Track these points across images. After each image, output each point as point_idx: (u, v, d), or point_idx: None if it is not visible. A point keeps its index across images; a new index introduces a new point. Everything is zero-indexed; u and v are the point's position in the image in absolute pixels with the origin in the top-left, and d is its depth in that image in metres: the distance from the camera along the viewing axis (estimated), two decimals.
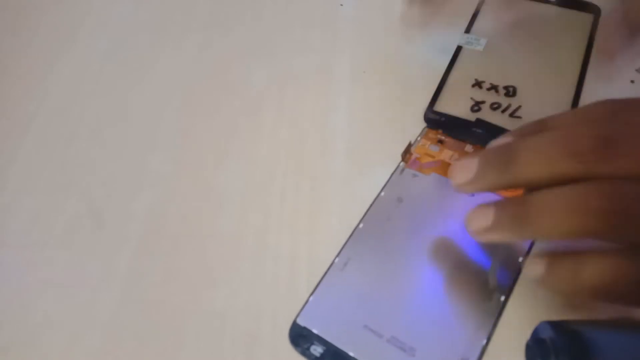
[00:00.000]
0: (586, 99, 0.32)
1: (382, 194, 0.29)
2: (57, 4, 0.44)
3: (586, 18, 0.36)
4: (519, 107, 0.32)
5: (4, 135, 0.36)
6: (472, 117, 0.32)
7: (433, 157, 0.31)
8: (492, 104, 0.33)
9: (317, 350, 0.24)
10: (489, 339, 0.24)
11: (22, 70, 0.40)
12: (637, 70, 0.34)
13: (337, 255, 0.27)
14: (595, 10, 0.36)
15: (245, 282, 0.28)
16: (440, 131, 0.32)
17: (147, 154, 0.34)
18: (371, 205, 0.29)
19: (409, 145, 0.31)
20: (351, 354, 0.24)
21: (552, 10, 0.37)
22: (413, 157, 0.31)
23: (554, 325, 0.22)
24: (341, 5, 0.41)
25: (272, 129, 0.34)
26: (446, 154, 0.31)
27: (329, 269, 0.27)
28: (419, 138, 0.32)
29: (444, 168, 0.30)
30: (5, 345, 0.27)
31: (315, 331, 0.25)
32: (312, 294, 0.26)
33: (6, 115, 0.37)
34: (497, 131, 0.31)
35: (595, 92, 0.33)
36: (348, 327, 0.25)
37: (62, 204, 0.32)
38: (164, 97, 0.37)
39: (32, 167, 0.34)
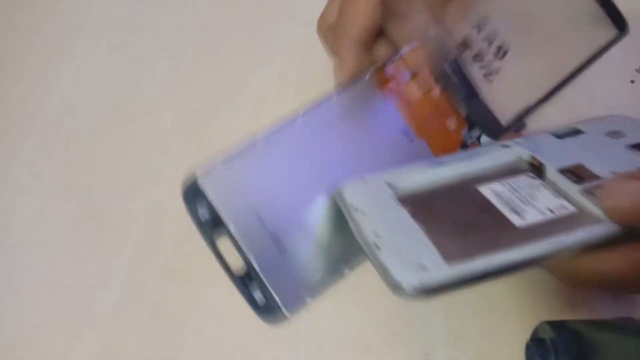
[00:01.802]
0: (585, 99, 0.32)
1: (333, 99, 0.27)
2: (57, 4, 0.44)
3: (609, 31, 0.32)
4: (498, 71, 0.31)
5: (4, 135, 0.36)
6: (452, 54, 0.30)
7: (398, 85, 0.28)
8: (476, 54, 0.31)
9: (204, 215, 0.24)
10: (340, 273, 0.25)
11: (22, 70, 0.40)
12: (637, 70, 0.34)
13: (262, 138, 0.26)
14: (622, 27, 0.32)
15: None
16: (421, 53, 0.29)
17: (147, 154, 0.34)
18: (317, 106, 0.27)
19: (389, 60, 0.28)
20: (232, 230, 0.24)
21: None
22: (389, 70, 0.28)
23: (554, 325, 0.22)
24: None
25: None
26: (412, 89, 0.28)
27: (249, 145, 0.25)
28: (398, 56, 0.29)
29: (402, 101, 0.28)
30: (5, 345, 0.27)
31: (209, 197, 0.24)
32: (223, 162, 0.25)
33: (6, 115, 0.37)
34: (464, 83, 0.29)
35: (594, 91, 0.33)
36: (241, 208, 0.24)
37: (62, 204, 0.32)
38: (164, 97, 0.37)
39: (32, 167, 0.34)
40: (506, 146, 0.26)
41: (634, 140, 0.26)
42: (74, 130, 0.36)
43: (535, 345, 0.22)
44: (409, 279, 0.19)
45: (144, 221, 0.31)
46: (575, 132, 0.27)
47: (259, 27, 0.41)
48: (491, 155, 0.26)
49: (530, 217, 0.22)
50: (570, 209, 0.22)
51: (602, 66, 0.34)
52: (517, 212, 0.22)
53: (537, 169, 0.25)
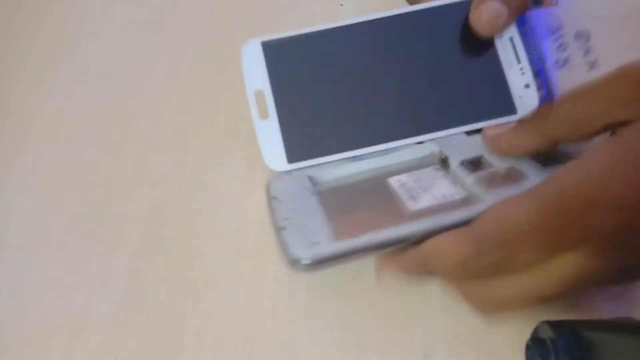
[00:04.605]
0: None
1: None
2: (57, 4, 0.44)
3: None
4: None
5: (4, 135, 0.36)
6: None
7: None
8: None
9: None
10: None
11: (22, 70, 0.40)
12: None
13: None
14: None
15: (245, 282, 0.28)
16: None
17: (147, 154, 0.34)
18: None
19: None
20: None
21: None
22: None
23: (554, 325, 0.22)
24: (341, 5, 0.41)
25: None
26: None
27: None
28: None
29: None
30: (5, 345, 0.27)
31: None
32: None
33: (6, 115, 0.37)
34: None
35: None
36: None
37: (62, 204, 0.32)
38: (164, 97, 0.37)
39: (32, 167, 0.34)
40: (420, 143, 0.28)
41: None
42: (74, 130, 0.36)
43: (535, 345, 0.22)
44: (303, 253, 0.22)
45: (144, 221, 0.31)
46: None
47: (258, 26, 0.40)
48: (405, 151, 0.28)
49: (423, 201, 0.25)
50: (462, 194, 0.25)
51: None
52: (414, 198, 0.25)
53: (443, 162, 0.27)
